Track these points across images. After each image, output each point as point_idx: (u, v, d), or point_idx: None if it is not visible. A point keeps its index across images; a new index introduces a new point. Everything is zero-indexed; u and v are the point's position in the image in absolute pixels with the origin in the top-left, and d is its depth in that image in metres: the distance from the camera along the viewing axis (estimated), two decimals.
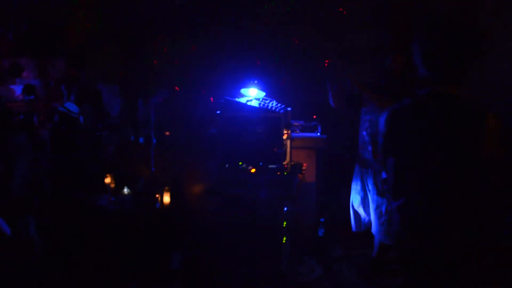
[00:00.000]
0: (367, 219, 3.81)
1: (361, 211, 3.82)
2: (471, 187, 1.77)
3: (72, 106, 4.47)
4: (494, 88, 4.63)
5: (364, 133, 3.65)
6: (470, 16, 5.00)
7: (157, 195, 4.00)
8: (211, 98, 4.24)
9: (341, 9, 4.97)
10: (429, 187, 1.80)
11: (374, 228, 3.67)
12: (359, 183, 3.77)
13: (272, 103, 3.62)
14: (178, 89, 5.05)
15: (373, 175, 3.61)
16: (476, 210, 1.79)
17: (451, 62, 1.76)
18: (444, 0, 5.01)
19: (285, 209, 3.46)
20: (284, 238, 3.50)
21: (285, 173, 3.38)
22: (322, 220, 4.19)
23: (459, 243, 1.80)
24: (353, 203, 3.85)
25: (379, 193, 3.59)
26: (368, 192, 3.70)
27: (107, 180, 4.19)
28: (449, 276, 1.83)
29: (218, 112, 3.55)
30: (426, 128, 1.79)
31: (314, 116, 4.29)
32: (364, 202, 3.77)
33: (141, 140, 4.55)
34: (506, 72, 4.24)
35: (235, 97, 3.66)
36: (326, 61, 5.07)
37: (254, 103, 3.63)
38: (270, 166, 3.42)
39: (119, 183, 4.15)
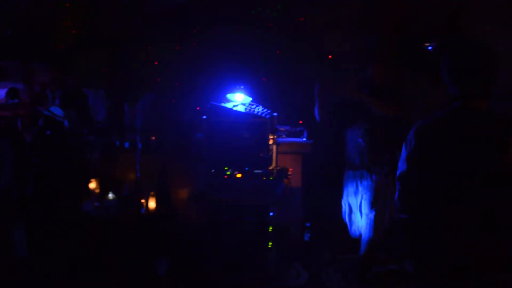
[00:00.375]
0: (360, 223, 3.85)
1: (357, 216, 3.85)
2: (505, 199, 1.83)
3: (57, 110, 4.43)
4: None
5: (360, 140, 3.67)
6: (456, 23, 5.10)
7: (142, 200, 3.98)
8: (197, 108, 4.25)
9: (326, 17, 5.02)
10: (460, 198, 1.88)
11: (366, 227, 3.72)
12: (354, 189, 3.81)
13: (258, 109, 3.64)
14: (177, 84, 5.03)
15: (369, 178, 3.65)
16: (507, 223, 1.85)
17: (479, 80, 1.93)
18: (431, 9, 5.11)
19: (271, 214, 3.47)
20: (270, 243, 3.51)
21: (271, 178, 3.39)
22: (308, 224, 4.21)
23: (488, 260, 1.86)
24: (348, 209, 3.87)
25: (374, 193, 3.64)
26: (363, 195, 3.74)
27: (92, 185, 4.16)
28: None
29: (204, 117, 3.55)
30: (461, 140, 1.90)
31: (300, 122, 4.31)
32: (361, 207, 3.81)
33: (126, 145, 4.52)
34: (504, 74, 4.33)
35: (221, 102, 3.67)
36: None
37: (240, 108, 3.64)
38: (256, 171, 3.44)
39: (104, 188, 4.12)
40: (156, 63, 5.31)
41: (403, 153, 2.07)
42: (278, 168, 3.61)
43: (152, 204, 4.03)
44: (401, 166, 2.07)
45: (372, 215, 3.71)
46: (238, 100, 3.73)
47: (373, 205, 3.68)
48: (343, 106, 3.79)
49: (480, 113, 1.92)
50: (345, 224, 3.96)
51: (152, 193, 4.03)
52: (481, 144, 1.87)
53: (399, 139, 3.61)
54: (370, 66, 3.71)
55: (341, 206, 3.93)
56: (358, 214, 3.82)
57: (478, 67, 1.92)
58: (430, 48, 4.95)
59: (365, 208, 3.72)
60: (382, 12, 5.10)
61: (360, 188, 3.76)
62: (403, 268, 3.92)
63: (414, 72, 5.04)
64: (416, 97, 4.84)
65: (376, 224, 3.66)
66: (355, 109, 3.73)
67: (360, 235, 3.86)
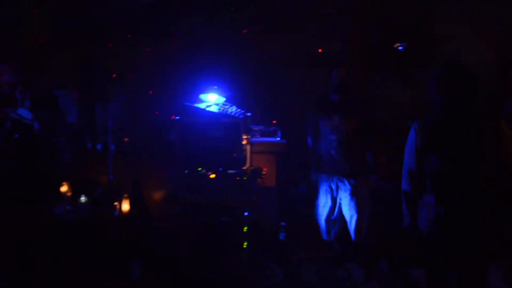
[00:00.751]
0: (336, 226, 3.92)
1: (330, 220, 3.92)
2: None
3: (25, 113, 4.32)
4: None
5: (333, 152, 3.77)
6: (424, 25, 5.22)
7: (115, 203, 3.92)
8: (170, 108, 4.22)
9: (295, 16, 5.06)
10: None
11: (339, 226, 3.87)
12: (328, 194, 3.88)
13: (232, 109, 3.64)
14: (150, 85, 4.97)
15: (346, 182, 3.79)
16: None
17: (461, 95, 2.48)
18: (401, 11, 5.21)
19: (246, 214, 3.47)
20: (245, 243, 3.51)
21: (245, 178, 3.39)
22: (283, 224, 4.23)
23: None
24: (322, 213, 3.93)
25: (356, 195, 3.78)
26: (342, 198, 3.84)
27: (63, 188, 4.07)
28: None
29: (177, 117, 3.53)
30: (454, 133, 2.48)
31: (274, 121, 4.33)
32: (334, 210, 3.87)
33: (99, 146, 4.45)
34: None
35: (194, 103, 3.65)
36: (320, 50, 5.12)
37: (214, 109, 3.63)
38: (229, 171, 3.43)
39: (76, 191, 4.04)
40: (128, 63, 5.25)
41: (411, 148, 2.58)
42: (252, 168, 3.62)
43: (125, 206, 3.96)
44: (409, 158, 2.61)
45: (349, 218, 3.80)
46: (212, 100, 3.72)
47: (349, 207, 3.77)
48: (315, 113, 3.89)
49: (467, 110, 2.46)
50: (319, 224, 4.03)
51: (125, 195, 3.96)
52: (468, 131, 2.46)
53: (374, 143, 3.77)
54: (335, 69, 3.79)
55: (315, 206, 3.99)
56: (334, 216, 3.90)
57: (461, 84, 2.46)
58: (400, 48, 5.05)
59: (344, 210, 3.81)
60: (354, 14, 5.19)
61: (335, 192, 3.83)
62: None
63: (385, 72, 5.15)
64: (386, 96, 4.95)
65: (357, 226, 3.77)
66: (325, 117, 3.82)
67: (334, 236, 3.93)
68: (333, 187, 3.84)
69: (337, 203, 3.86)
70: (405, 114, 5.01)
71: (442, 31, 5.20)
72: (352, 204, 3.77)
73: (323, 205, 3.91)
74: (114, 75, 4.98)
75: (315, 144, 3.90)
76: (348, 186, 3.76)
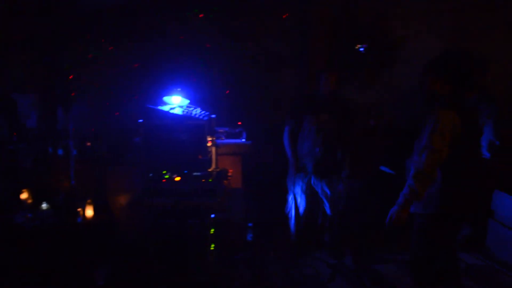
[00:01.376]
0: (302, 221, 4.04)
1: (302, 219, 4.01)
2: None
3: None
4: (400, 92, 4.99)
5: (317, 150, 3.87)
6: (385, 26, 5.35)
7: (78, 209, 3.84)
8: (134, 111, 4.17)
9: (258, 18, 5.09)
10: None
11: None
12: (303, 193, 3.98)
13: (196, 111, 3.63)
14: (113, 87, 4.87)
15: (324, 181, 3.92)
16: None
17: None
18: (362, 13, 5.32)
19: (212, 216, 3.47)
20: (213, 245, 3.51)
21: (210, 180, 3.39)
22: (250, 225, 4.24)
23: None
24: (295, 212, 4.01)
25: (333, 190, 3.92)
26: (322, 193, 3.96)
27: (24, 195, 3.96)
28: None
29: (141, 120, 3.49)
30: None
31: (239, 123, 4.34)
32: (307, 208, 3.99)
33: (60, 151, 4.33)
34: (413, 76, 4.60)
35: (158, 105, 3.62)
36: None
37: (178, 111, 3.61)
38: (195, 173, 3.42)
39: (37, 198, 3.93)
40: (89, 64, 5.14)
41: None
42: (218, 169, 3.62)
43: (89, 212, 3.89)
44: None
45: (324, 215, 3.91)
46: (176, 102, 3.69)
47: (325, 205, 3.87)
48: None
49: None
50: (288, 223, 4.08)
51: (88, 201, 3.89)
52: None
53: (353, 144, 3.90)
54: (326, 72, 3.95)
55: (284, 204, 4.06)
56: (303, 214, 3.98)
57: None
58: (361, 49, 5.16)
59: (320, 208, 3.91)
60: (316, 16, 5.26)
61: (310, 190, 3.91)
62: None
63: (347, 72, 5.25)
64: (349, 97, 5.03)
65: (331, 224, 3.88)
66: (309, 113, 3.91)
67: (306, 234, 4.02)
68: (309, 185, 3.93)
69: (311, 201, 3.95)
70: (368, 114, 5.15)
71: (402, 32, 5.34)
72: (327, 201, 3.88)
73: (298, 204, 3.99)
74: (71, 77, 4.86)
75: (296, 143, 3.97)
76: (325, 184, 3.87)
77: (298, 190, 4.00)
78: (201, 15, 4.92)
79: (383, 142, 4.92)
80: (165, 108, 3.61)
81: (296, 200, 4.02)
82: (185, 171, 3.42)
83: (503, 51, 5.05)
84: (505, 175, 3.99)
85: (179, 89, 3.75)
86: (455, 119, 2.54)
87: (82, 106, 4.71)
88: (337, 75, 3.94)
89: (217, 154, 3.67)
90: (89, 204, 3.88)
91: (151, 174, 3.42)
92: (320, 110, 3.89)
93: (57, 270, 3.51)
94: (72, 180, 4.03)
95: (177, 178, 3.39)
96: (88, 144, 4.32)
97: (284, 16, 5.13)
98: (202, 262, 3.49)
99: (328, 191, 3.92)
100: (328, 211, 3.98)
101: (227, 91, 4.89)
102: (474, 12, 5.21)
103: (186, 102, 3.73)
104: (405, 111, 4.63)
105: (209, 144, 3.53)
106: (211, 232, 3.48)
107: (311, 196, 3.98)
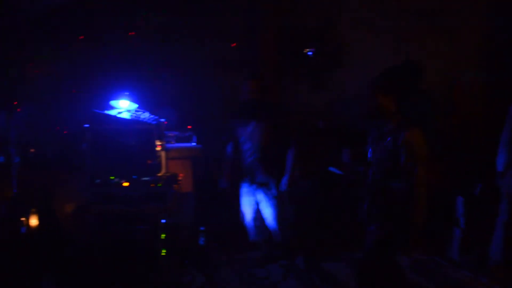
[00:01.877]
0: (261, 227, 4.07)
1: (255, 222, 4.05)
2: None
3: None
4: (349, 94, 5.17)
5: (250, 159, 3.91)
6: (332, 31, 5.52)
7: (22, 219, 3.69)
8: (80, 116, 4.06)
9: (207, 23, 5.12)
10: None
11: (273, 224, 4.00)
12: (252, 198, 4.00)
13: (145, 115, 3.60)
14: (58, 92, 4.70)
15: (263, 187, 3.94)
16: None
17: None
18: (309, 18, 5.46)
19: (163, 221, 3.44)
20: (164, 250, 3.48)
21: (159, 185, 3.37)
22: (202, 228, 4.23)
23: None
24: (247, 215, 4.06)
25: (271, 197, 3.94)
26: (260, 201, 3.98)
27: None
28: None
29: (87, 125, 3.42)
30: None
31: (189, 127, 4.34)
32: (258, 211, 4.03)
33: (1, 159, 4.15)
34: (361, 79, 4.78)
35: (105, 110, 3.55)
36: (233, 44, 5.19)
37: (126, 115, 3.56)
38: (144, 178, 3.39)
39: None
40: (34, 68, 4.97)
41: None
42: (168, 174, 3.60)
43: (33, 221, 3.75)
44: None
45: (268, 220, 3.95)
46: (123, 107, 3.64)
47: (267, 210, 3.92)
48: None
49: None
50: (240, 226, 4.12)
51: (33, 209, 3.75)
52: None
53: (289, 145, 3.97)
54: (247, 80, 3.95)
55: (237, 207, 4.10)
56: (256, 220, 4.03)
57: None
58: (309, 53, 5.30)
59: (263, 213, 3.95)
60: (264, 21, 5.35)
61: (258, 198, 3.96)
62: None
63: (295, 77, 5.37)
64: (297, 100, 5.16)
65: (274, 228, 3.94)
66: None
67: (261, 236, 4.06)
68: (253, 190, 3.97)
69: (258, 205, 4.00)
70: (316, 116, 5.29)
71: (349, 38, 5.53)
72: (269, 207, 3.94)
73: (248, 206, 4.03)
74: (34, 69, 4.67)
75: (235, 152, 4.00)
76: (264, 190, 3.92)
77: (245, 197, 4.04)
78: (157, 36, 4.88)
79: (332, 143, 5.07)
80: (113, 112, 3.55)
81: (245, 203, 4.05)
82: (134, 176, 3.38)
83: (437, 54, 5.36)
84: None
85: (127, 93, 3.71)
86: None
87: (24, 112, 4.53)
88: (259, 83, 3.94)
89: (167, 158, 3.65)
90: (34, 213, 3.74)
91: (98, 180, 3.35)
92: (246, 120, 3.90)
93: (1, 282, 3.36)
94: (15, 188, 3.87)
95: (126, 184, 3.35)
96: (32, 151, 4.17)
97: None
98: (153, 268, 3.45)
99: (267, 198, 3.94)
100: (267, 217, 4.01)
101: (177, 95, 4.87)
102: (413, 18, 5.49)
103: (134, 106, 3.69)
104: (351, 113, 4.79)
105: (158, 148, 3.50)
106: (162, 237, 3.45)
107: (257, 203, 4.02)
